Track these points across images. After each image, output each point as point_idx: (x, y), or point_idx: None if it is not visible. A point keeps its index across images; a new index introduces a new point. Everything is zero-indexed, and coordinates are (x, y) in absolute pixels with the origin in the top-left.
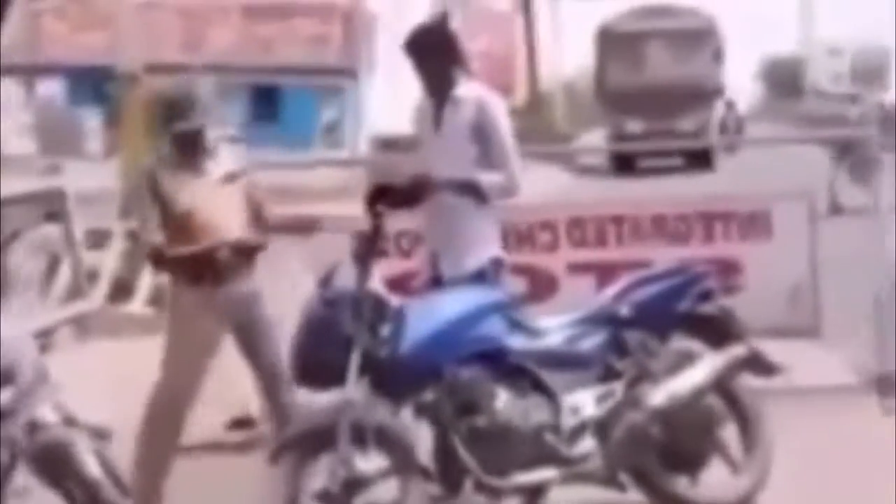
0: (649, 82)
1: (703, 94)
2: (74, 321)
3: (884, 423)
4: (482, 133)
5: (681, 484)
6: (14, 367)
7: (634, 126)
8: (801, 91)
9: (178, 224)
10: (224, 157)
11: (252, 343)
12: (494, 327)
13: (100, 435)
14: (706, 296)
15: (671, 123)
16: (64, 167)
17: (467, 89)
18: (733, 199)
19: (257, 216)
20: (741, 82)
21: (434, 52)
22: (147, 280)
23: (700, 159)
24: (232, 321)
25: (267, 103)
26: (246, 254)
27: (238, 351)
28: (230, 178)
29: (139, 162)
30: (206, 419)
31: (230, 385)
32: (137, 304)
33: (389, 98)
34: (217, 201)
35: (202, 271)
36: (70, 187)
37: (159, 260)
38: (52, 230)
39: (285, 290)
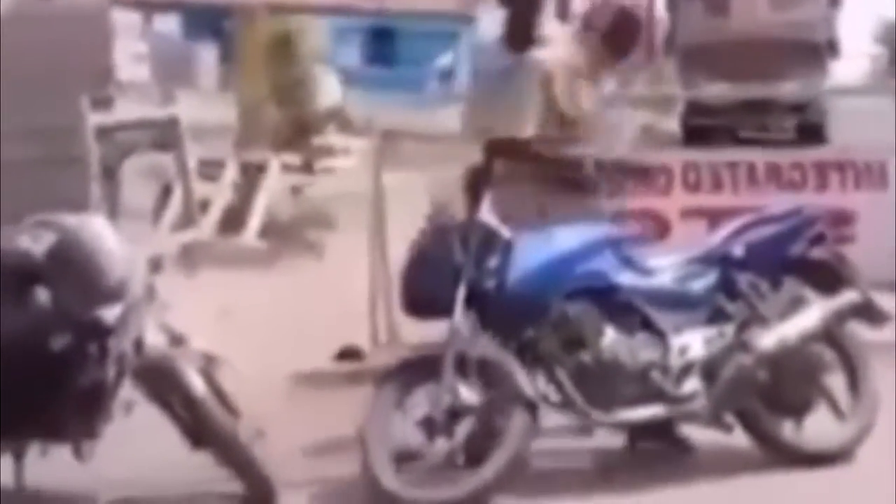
0: (737, 32)
1: (813, 50)
2: (184, 250)
3: None
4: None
5: (785, 429)
6: (125, 284)
7: (715, 91)
8: None
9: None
10: None
11: None
12: (605, 263)
13: (207, 359)
14: (819, 240)
15: (767, 89)
16: (178, 98)
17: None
18: (849, 149)
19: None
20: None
21: None
22: (259, 212)
23: (810, 132)
24: None
25: (382, 46)
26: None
27: None
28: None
29: (255, 97)
30: (314, 350)
31: (340, 316)
32: (248, 237)
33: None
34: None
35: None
36: (184, 118)
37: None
38: (164, 158)
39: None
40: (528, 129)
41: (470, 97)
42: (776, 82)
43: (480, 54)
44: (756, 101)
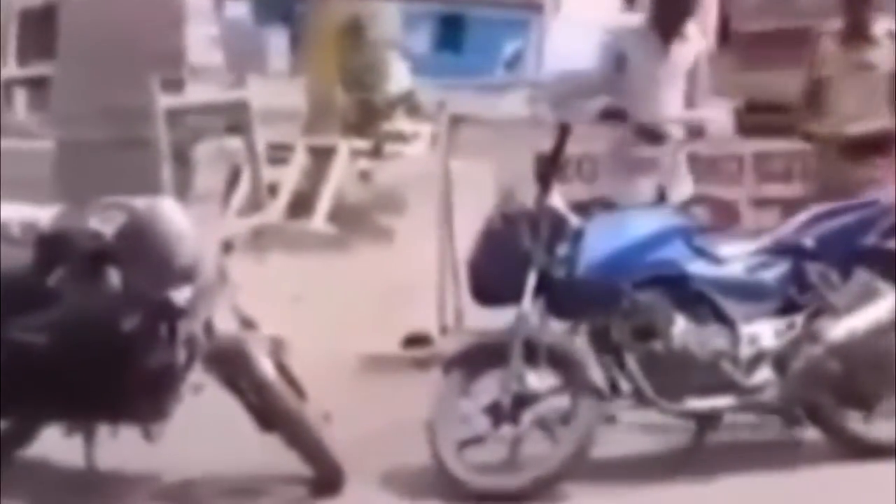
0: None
1: None
2: (253, 234)
3: None
4: (695, 70)
5: (854, 421)
6: (196, 266)
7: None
8: None
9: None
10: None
11: None
12: (676, 252)
13: (276, 343)
14: (892, 232)
15: None
16: (248, 83)
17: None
18: None
19: None
20: None
21: None
22: (328, 197)
23: None
24: None
25: (452, 32)
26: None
27: None
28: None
29: (325, 82)
30: (383, 335)
31: (408, 302)
32: (317, 221)
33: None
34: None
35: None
36: (254, 102)
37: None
38: (234, 142)
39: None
40: None
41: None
42: None
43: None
44: None
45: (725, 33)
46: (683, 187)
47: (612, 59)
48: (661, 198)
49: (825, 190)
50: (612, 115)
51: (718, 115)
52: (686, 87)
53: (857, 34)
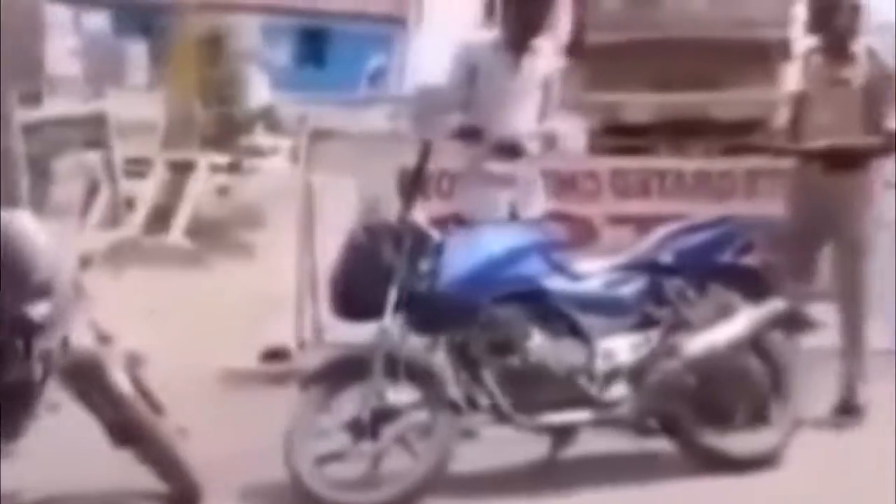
0: (668, 27)
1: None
2: (111, 248)
3: None
4: (547, 85)
5: (711, 434)
6: (52, 282)
7: (639, 113)
8: None
9: None
10: None
11: None
12: (534, 267)
13: (133, 358)
14: (747, 249)
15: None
16: (107, 95)
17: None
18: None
19: None
20: None
21: None
22: (186, 212)
23: None
24: None
25: (314, 47)
26: None
27: None
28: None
29: (184, 96)
30: (241, 350)
31: (267, 316)
32: (175, 236)
33: (436, 49)
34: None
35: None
36: (112, 116)
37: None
38: (92, 156)
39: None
40: None
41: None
42: (713, 92)
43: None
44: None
45: (580, 47)
46: (538, 203)
47: (465, 74)
48: (512, 216)
49: (805, 206)
50: (467, 134)
51: (571, 130)
52: (539, 101)
53: (833, 51)
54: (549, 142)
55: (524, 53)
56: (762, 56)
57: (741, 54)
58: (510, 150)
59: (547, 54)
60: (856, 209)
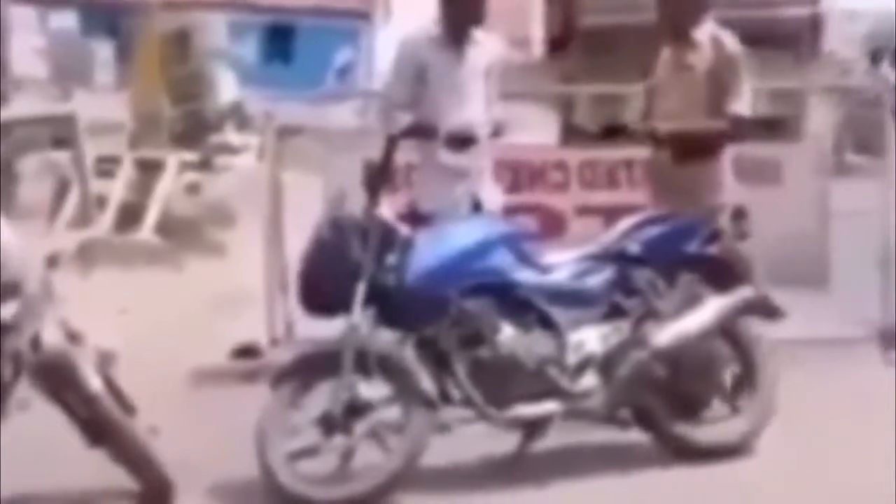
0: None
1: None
2: (80, 248)
3: (885, 375)
4: (490, 73)
5: (682, 424)
6: (20, 281)
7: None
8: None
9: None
10: None
11: None
12: (502, 260)
13: (104, 357)
14: (715, 238)
15: None
16: (74, 96)
17: (480, 31)
18: (743, 145)
19: None
20: None
21: None
22: (155, 210)
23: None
24: None
25: (281, 43)
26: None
27: None
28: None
29: (151, 94)
30: (212, 348)
31: (238, 313)
32: (145, 234)
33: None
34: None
35: None
36: (81, 115)
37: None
38: (61, 155)
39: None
40: None
41: None
42: None
43: None
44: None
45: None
46: (496, 194)
47: (413, 72)
48: (476, 206)
49: (660, 194)
50: (420, 132)
51: (517, 118)
52: (483, 90)
53: (677, 36)
54: (498, 129)
55: (466, 45)
56: None
57: None
58: (462, 141)
59: (488, 45)
60: (704, 199)
